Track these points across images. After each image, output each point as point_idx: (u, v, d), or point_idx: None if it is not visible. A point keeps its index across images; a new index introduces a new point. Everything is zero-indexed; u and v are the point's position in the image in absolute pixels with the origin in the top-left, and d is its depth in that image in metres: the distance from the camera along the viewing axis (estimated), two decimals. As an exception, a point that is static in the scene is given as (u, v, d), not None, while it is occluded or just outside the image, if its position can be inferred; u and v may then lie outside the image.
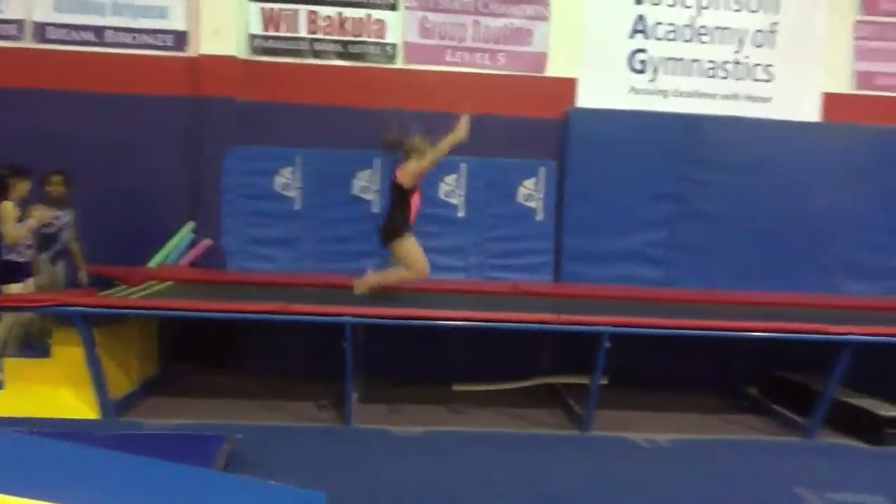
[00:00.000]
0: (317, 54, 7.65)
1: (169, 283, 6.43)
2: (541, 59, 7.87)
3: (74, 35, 7.40)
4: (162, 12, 7.50)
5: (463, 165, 7.45)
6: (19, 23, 7.36)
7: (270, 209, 7.35)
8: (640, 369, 6.20)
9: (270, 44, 7.62)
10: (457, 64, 7.78)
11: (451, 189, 7.46)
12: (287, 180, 7.36)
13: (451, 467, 4.66)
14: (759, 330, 5.46)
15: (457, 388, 6.57)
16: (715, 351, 6.36)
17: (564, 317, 5.44)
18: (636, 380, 6.21)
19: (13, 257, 5.96)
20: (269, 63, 7.58)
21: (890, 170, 7.92)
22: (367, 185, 7.40)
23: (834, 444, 5.45)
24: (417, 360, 6.68)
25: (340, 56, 7.68)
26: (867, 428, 5.52)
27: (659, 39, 8.09)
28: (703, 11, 8.10)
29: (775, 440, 5.51)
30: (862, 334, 5.34)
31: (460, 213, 7.46)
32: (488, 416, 5.93)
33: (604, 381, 5.67)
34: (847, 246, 7.70)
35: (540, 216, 7.53)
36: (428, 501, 4.08)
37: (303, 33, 7.65)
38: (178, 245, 7.00)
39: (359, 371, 5.95)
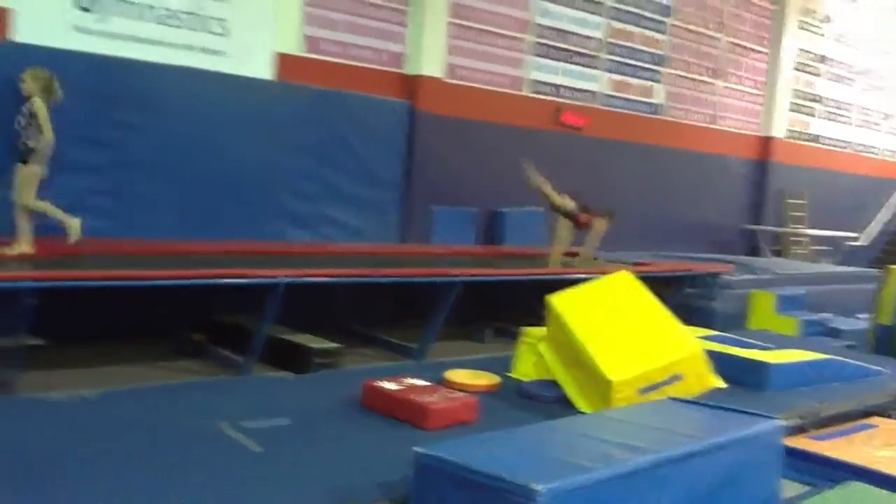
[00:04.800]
0: None
1: None
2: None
3: None
4: None
5: None
6: None
7: None
8: (80, 326, 5.92)
9: None
10: None
11: None
12: None
13: None
14: (193, 277, 5.60)
15: None
16: (158, 301, 6.32)
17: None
18: (77, 337, 5.90)
19: None
20: None
21: (326, 128, 8.76)
22: None
23: (267, 378, 5.86)
24: None
25: None
26: (298, 360, 6.08)
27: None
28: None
29: (211, 380, 5.73)
30: (290, 276, 5.82)
31: None
32: None
33: (37, 342, 5.27)
34: (289, 197, 8.35)
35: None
36: None
37: None
38: None
39: None
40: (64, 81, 7.02)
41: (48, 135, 6.15)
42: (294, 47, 9.05)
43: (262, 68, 8.73)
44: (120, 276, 5.24)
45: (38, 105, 6.17)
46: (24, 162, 6.12)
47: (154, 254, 6.73)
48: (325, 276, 6.25)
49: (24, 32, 7.22)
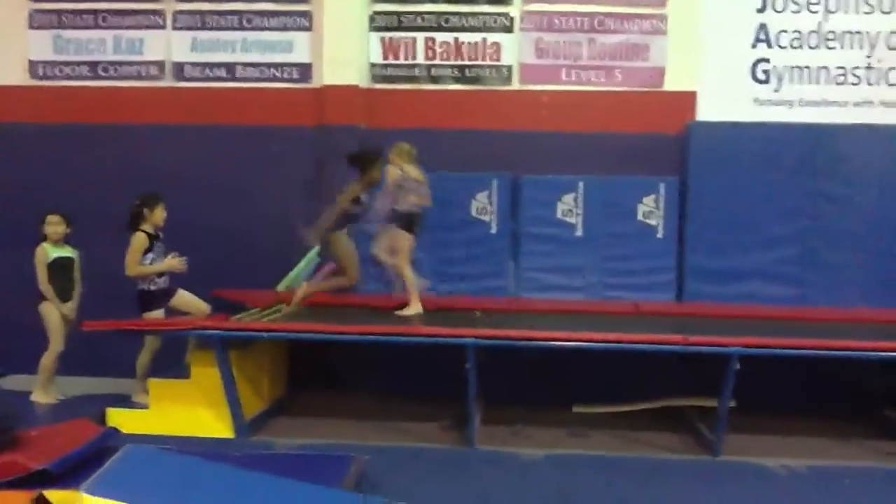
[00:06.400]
0: (434, 80, 7.81)
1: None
2: (659, 73, 7.75)
3: (208, 72, 7.87)
4: (288, 46, 7.85)
5: (580, 184, 7.41)
6: (160, 64, 7.90)
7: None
8: (766, 390, 5.95)
9: (390, 71, 7.83)
10: (572, 83, 7.76)
11: (569, 208, 7.43)
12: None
13: (578, 493, 4.60)
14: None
15: (577, 409, 6.49)
16: (847, 371, 6.02)
17: (692, 338, 5.31)
18: (762, 401, 5.94)
19: (147, 286, 6.16)
20: (389, 90, 7.79)
21: None
22: (484, 205, 7.46)
23: None
24: (537, 381, 6.64)
25: (457, 80, 7.80)
26: None
27: (783, 48, 7.81)
28: (831, 16, 7.77)
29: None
30: None
31: (578, 233, 7.41)
32: (610, 440, 5.85)
33: (731, 404, 5.51)
34: None
35: (660, 234, 7.38)
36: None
37: (420, 60, 7.83)
38: (305, 269, 7.26)
39: (479, 392, 5.99)
40: (745, 153, 7.41)
41: (410, 200, 6.56)
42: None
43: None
44: (822, 346, 5.18)
45: (391, 173, 6.58)
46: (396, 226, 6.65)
47: (828, 321, 6.53)
48: None
49: (706, 111, 7.77)
